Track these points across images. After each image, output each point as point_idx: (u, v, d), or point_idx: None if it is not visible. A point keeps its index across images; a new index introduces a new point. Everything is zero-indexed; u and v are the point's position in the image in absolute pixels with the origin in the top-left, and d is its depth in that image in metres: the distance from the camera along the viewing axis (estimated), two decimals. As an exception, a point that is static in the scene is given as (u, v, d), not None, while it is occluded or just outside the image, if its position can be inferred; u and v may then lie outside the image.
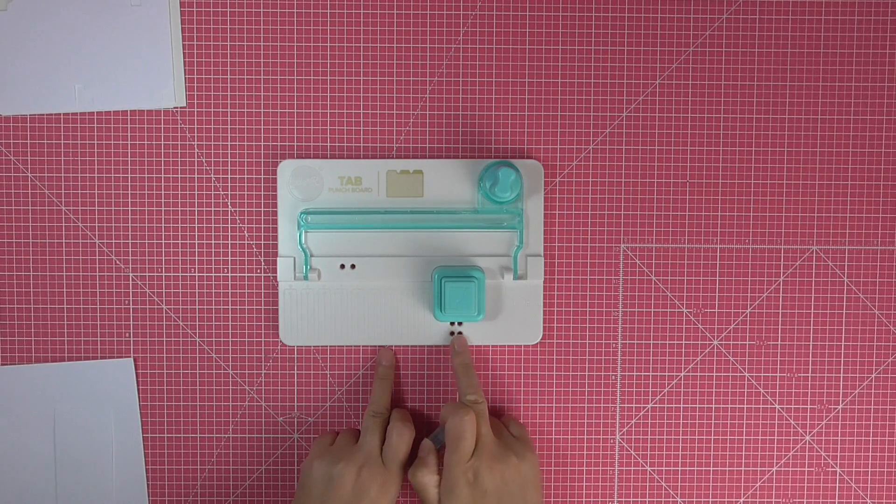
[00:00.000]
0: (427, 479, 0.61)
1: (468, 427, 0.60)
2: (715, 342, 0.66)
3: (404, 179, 0.64)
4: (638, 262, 0.66)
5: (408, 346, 0.66)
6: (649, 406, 0.67)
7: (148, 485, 0.66)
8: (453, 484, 0.59)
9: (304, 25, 0.65)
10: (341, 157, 0.65)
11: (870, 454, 0.67)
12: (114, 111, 0.65)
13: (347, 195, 0.64)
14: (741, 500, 0.67)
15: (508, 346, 0.66)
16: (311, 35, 0.65)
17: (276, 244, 0.65)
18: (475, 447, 0.60)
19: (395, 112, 0.65)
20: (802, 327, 0.66)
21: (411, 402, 0.67)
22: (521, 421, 0.66)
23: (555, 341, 0.66)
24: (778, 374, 0.67)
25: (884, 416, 0.67)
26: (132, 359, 0.66)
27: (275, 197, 0.65)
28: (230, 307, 0.66)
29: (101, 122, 0.65)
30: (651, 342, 0.66)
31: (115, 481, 0.66)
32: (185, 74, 0.65)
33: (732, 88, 0.65)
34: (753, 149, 0.66)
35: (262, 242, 0.66)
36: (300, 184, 0.64)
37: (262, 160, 0.65)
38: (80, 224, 0.65)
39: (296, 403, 0.66)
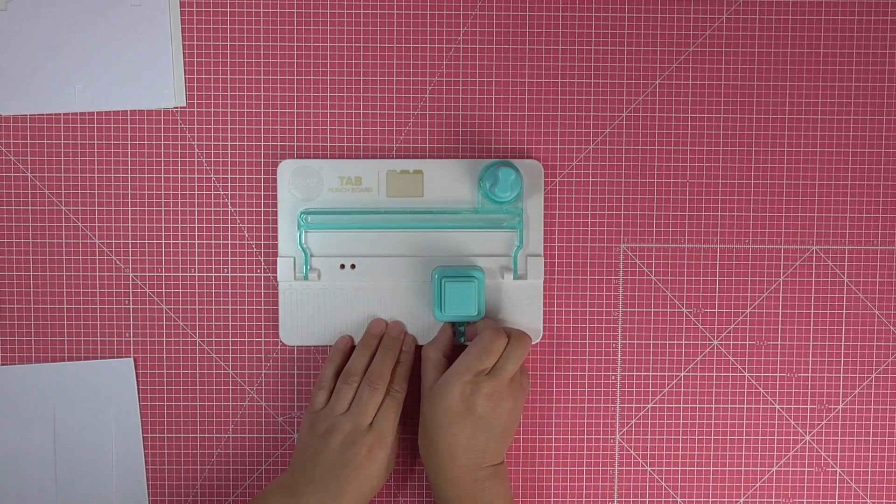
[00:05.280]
0: (431, 355, 0.62)
1: (496, 349, 0.60)
2: (715, 342, 0.66)
3: (404, 179, 0.64)
4: (638, 262, 0.66)
5: (408, 346, 0.66)
6: (649, 406, 0.67)
7: (148, 485, 0.66)
8: (449, 385, 0.59)
9: (304, 25, 0.65)
10: (341, 157, 0.65)
11: (870, 454, 0.67)
12: (114, 111, 0.65)
13: (347, 195, 0.64)
14: (741, 500, 0.67)
15: (508, 346, 0.66)
16: (311, 35, 0.65)
17: (276, 244, 0.65)
18: (492, 369, 0.60)
19: (395, 112, 0.65)
20: (802, 327, 0.66)
21: (411, 402, 0.66)
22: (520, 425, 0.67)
23: (555, 341, 0.66)
24: (778, 374, 0.67)
25: (884, 416, 0.67)
26: (132, 359, 0.66)
27: (275, 197, 0.65)
28: (230, 307, 0.66)
29: (101, 122, 0.65)
30: (651, 342, 0.66)
31: (115, 481, 0.66)
32: (185, 74, 0.65)
33: (732, 88, 0.65)
34: (753, 149, 0.66)
35: (262, 242, 0.66)
36: (300, 184, 0.64)
37: (262, 160, 0.65)
38: (80, 224, 0.65)
39: (296, 403, 0.66)
